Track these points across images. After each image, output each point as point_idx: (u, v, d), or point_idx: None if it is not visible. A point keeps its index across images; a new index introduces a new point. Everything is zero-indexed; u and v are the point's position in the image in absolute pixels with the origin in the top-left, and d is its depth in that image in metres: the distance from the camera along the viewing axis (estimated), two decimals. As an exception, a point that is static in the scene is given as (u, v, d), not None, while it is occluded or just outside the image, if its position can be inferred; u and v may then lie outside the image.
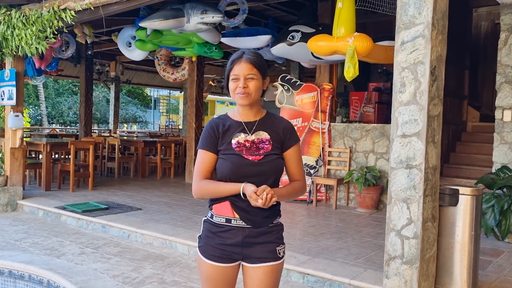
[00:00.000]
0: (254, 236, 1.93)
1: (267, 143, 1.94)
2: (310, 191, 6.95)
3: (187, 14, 5.75)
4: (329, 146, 7.07)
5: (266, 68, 1.98)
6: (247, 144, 1.93)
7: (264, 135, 1.95)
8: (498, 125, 5.70)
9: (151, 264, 4.27)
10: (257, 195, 1.78)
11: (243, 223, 1.92)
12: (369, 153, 6.67)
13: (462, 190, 3.32)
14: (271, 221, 1.97)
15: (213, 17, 5.76)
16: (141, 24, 5.92)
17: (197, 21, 5.77)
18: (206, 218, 2.01)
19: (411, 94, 3.09)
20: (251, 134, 1.95)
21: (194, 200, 6.93)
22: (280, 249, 1.98)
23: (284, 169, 2.03)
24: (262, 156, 1.92)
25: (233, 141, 1.94)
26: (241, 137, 1.94)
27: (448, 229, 3.33)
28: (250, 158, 1.91)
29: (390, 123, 3.30)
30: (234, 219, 1.92)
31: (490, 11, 9.21)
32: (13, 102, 6.69)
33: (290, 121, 7.63)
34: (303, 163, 6.92)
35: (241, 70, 1.90)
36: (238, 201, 1.90)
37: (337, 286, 3.64)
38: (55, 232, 5.41)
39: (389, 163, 3.24)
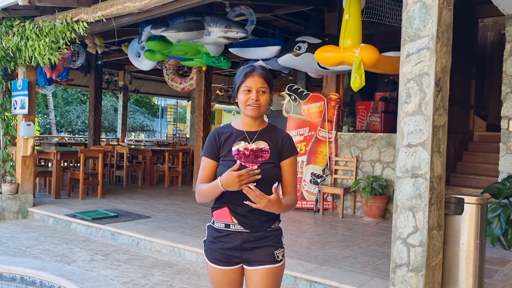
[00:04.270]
0: (252, 241, 2.01)
1: (265, 152, 2.03)
2: (317, 200, 6.99)
3: (207, 27, 5.86)
4: (336, 155, 7.13)
5: (273, 83, 2.09)
6: (246, 152, 2.02)
7: (264, 145, 2.04)
8: (504, 134, 5.72)
9: (160, 271, 4.33)
10: (240, 175, 1.84)
11: (241, 228, 2.01)
12: (376, 162, 6.71)
13: (467, 199, 3.36)
14: (269, 225, 2.05)
15: (237, 32, 5.90)
16: (164, 34, 6.03)
17: (219, 35, 5.88)
18: (209, 224, 2.12)
19: (416, 105, 3.15)
20: (252, 143, 2.04)
21: (202, 208, 6.99)
22: (278, 253, 2.05)
23: None
24: (259, 164, 2.00)
25: (233, 149, 2.03)
26: (241, 145, 2.03)
27: (453, 237, 3.36)
28: (247, 165, 1.99)
29: (396, 132, 3.36)
30: (233, 224, 2.01)
31: (496, 21, 9.25)
32: (25, 111, 6.83)
33: (296, 130, 7.58)
34: (310, 172, 7.06)
35: (253, 83, 2.00)
36: (236, 207, 2.00)
37: (344, 293, 3.68)
38: (65, 239, 5.49)
39: (395, 172, 3.30)
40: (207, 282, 4.01)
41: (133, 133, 29.49)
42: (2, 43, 6.47)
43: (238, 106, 2.06)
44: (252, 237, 2.01)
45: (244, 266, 2.06)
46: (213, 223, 2.08)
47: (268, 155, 2.03)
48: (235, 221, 2.01)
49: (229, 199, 2.01)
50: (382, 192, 6.35)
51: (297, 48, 6.25)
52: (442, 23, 3.12)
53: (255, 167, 1.93)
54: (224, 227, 2.03)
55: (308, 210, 7.01)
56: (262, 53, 6.78)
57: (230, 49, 6.97)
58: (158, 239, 5.08)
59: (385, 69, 6.14)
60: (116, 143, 13.90)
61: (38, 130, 20.84)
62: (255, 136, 2.05)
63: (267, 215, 2.01)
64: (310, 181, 7.11)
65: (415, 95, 3.16)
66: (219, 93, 16.82)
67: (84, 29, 5.72)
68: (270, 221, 2.04)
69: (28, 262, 4.38)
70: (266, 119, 2.18)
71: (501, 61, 5.97)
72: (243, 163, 2.00)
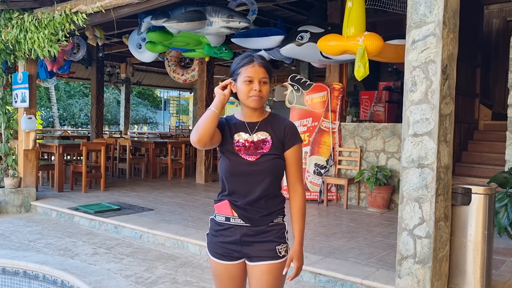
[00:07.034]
0: (252, 235, 1.96)
1: (267, 143, 1.97)
2: (320, 191, 6.94)
3: (209, 17, 5.77)
4: (340, 146, 7.06)
5: (272, 73, 2.03)
6: (247, 144, 1.96)
7: (265, 135, 1.98)
8: (511, 123, 5.64)
9: (163, 264, 4.31)
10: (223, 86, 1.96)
11: (241, 222, 1.96)
12: (380, 153, 6.64)
13: (474, 189, 3.30)
14: (270, 220, 1.98)
15: (239, 22, 5.82)
16: (165, 24, 5.95)
17: (221, 25, 5.81)
18: (212, 217, 2.08)
19: (423, 93, 3.08)
20: (252, 134, 1.98)
21: (205, 201, 6.96)
22: (281, 248, 1.98)
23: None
24: (258, 156, 1.95)
25: (234, 140, 1.98)
26: (241, 137, 1.98)
27: (460, 228, 3.31)
28: (247, 158, 1.94)
29: (400, 122, 3.30)
30: (233, 218, 1.97)
31: (502, 8, 9.12)
32: (26, 104, 6.78)
33: (299, 121, 7.47)
34: (314, 163, 7.00)
35: (255, 73, 1.92)
36: (236, 200, 1.96)
37: (349, 286, 3.64)
38: (68, 233, 5.47)
39: (400, 163, 3.23)
40: (210, 275, 3.96)
41: (136, 126, 29.48)
42: (1, 36, 6.41)
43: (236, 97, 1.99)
44: (252, 231, 1.95)
45: (246, 262, 2.00)
46: (215, 216, 2.04)
47: (269, 146, 1.96)
48: (235, 214, 1.96)
49: (231, 192, 1.97)
50: (386, 183, 6.29)
51: (300, 38, 6.16)
52: (448, 9, 3.04)
53: None
54: (225, 220, 1.99)
55: (312, 201, 6.96)
56: (265, 43, 6.68)
57: (232, 39, 6.88)
58: (161, 232, 5.05)
59: (390, 58, 6.05)
60: (119, 136, 13.87)
61: (41, 124, 20.83)
62: (256, 127, 1.99)
63: (268, 208, 1.96)
64: (314, 172, 7.06)
65: (421, 83, 3.08)
66: (222, 84, 16.72)
67: (83, 20, 5.65)
68: (271, 215, 1.98)
69: (31, 256, 4.36)
70: (268, 109, 2.11)
71: (507, 48, 5.88)
72: (242, 156, 1.95)
